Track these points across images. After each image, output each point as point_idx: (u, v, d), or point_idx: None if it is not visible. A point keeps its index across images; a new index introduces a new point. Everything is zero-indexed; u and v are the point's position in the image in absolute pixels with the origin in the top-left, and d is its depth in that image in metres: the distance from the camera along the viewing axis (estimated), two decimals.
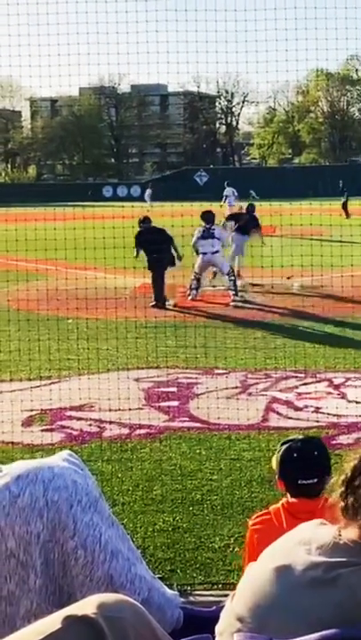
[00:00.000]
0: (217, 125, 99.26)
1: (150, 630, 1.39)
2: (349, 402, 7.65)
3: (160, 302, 13.64)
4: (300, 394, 7.97)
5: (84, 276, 16.53)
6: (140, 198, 54.67)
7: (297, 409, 7.48)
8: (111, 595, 1.43)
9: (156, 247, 13.75)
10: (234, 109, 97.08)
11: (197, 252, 14.35)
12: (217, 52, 8.31)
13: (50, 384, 8.44)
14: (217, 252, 14.26)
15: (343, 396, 7.89)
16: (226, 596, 1.71)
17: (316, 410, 7.40)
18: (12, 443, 6.58)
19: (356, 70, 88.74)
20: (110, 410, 7.43)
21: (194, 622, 2.05)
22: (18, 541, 1.83)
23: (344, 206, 34.20)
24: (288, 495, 3.16)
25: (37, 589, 1.83)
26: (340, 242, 16.81)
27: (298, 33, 8.21)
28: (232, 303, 13.68)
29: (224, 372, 8.87)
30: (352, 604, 1.47)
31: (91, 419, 7.31)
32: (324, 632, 1.44)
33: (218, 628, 1.63)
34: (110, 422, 7.19)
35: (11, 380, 8.67)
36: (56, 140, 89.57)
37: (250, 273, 14.33)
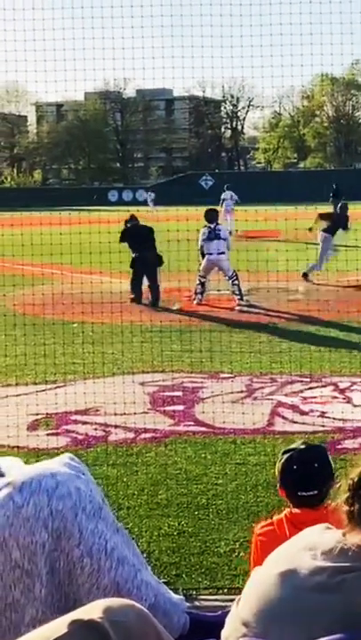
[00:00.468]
0: (222, 130, 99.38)
1: (156, 635, 1.39)
2: (355, 406, 7.63)
3: (138, 299, 14.01)
4: (305, 398, 7.95)
5: (89, 280, 16.55)
6: (146, 202, 54.74)
7: (303, 413, 7.47)
8: (117, 599, 1.43)
9: (141, 245, 14.08)
10: (239, 114, 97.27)
11: (203, 255, 14.34)
12: (222, 57, 8.35)
13: (55, 388, 8.45)
14: (222, 253, 14.24)
15: (349, 401, 7.87)
16: (231, 600, 1.71)
17: (322, 414, 7.39)
18: (18, 447, 6.58)
19: None
20: (115, 414, 7.43)
21: (199, 627, 2.05)
22: (22, 551, 1.83)
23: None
24: (291, 505, 3.15)
25: (43, 598, 1.83)
26: (346, 246, 16.81)
27: (303, 38, 8.24)
28: (237, 307, 13.67)
29: (229, 376, 8.86)
30: (357, 608, 1.46)
31: (96, 423, 7.31)
32: (329, 637, 1.44)
33: (223, 633, 1.63)
34: (115, 426, 7.19)
35: (16, 384, 8.68)
36: (61, 144, 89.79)
37: (256, 277, 14.32)
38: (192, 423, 7.29)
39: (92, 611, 1.33)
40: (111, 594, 1.79)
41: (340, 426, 7.03)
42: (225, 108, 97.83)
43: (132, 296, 14.10)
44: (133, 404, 7.61)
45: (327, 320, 11.79)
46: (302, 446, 3.21)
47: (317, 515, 2.81)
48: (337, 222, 16.87)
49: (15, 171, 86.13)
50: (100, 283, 15.89)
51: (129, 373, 9.00)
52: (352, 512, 1.56)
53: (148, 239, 14.20)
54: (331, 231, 16.60)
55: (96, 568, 1.86)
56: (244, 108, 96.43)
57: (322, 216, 17.61)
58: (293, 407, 7.65)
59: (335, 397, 8.00)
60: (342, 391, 8.20)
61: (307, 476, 3.06)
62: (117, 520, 2.05)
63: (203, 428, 7.11)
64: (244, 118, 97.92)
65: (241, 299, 13.91)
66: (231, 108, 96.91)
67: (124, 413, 7.41)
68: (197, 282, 14.25)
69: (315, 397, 7.98)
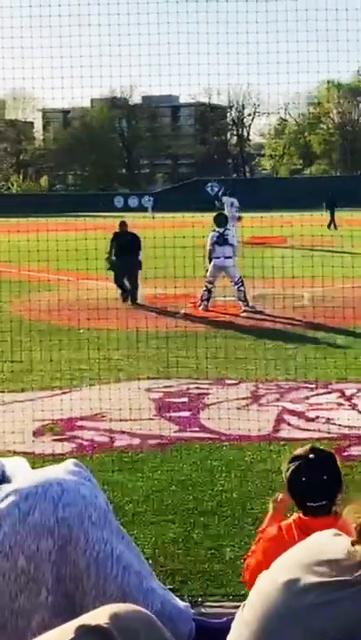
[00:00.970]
0: (228, 136, 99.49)
1: None
2: None
3: (125, 296, 15.13)
4: (311, 405, 7.94)
5: (95, 286, 16.58)
6: (152, 208, 54.81)
7: (308, 420, 7.46)
8: (124, 605, 1.43)
9: (123, 250, 15.25)
10: (245, 120, 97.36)
11: (210, 260, 14.36)
12: (228, 63, 8.37)
13: (61, 394, 8.46)
14: (229, 257, 14.27)
15: (355, 407, 7.86)
16: (237, 607, 1.71)
17: (328, 421, 7.38)
18: (24, 453, 6.59)
19: None
20: (121, 420, 7.43)
21: (205, 634, 2.05)
22: (28, 559, 1.83)
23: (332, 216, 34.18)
24: (300, 513, 3.12)
25: (49, 605, 1.83)
26: (351, 253, 16.80)
27: (309, 45, 8.26)
28: (243, 314, 13.67)
29: (235, 382, 8.86)
30: (359, 621, 1.46)
31: (102, 429, 7.32)
32: None
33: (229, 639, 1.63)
34: (121, 432, 7.19)
35: (22, 390, 8.70)
36: (68, 150, 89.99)
37: (261, 283, 14.33)
38: (197, 429, 7.28)
39: (98, 616, 1.33)
40: (117, 601, 1.78)
41: (346, 433, 7.02)
42: (231, 114, 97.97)
43: (123, 295, 15.15)
44: (139, 410, 7.62)
45: (333, 326, 11.78)
46: (311, 455, 3.10)
47: (327, 522, 2.79)
48: None
49: (21, 177, 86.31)
50: (106, 289, 15.93)
51: (135, 379, 9.01)
52: None
53: (132, 245, 15.33)
54: None
55: (102, 575, 1.86)
56: (249, 114, 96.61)
57: None
58: (299, 414, 7.64)
59: (341, 404, 7.98)
60: (348, 398, 8.19)
61: (316, 488, 3.01)
62: (122, 526, 2.05)
63: (208, 435, 7.11)
64: (249, 125, 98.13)
65: (247, 305, 13.90)
66: (237, 114, 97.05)
67: (130, 419, 7.41)
68: (204, 288, 14.25)
69: (321, 404, 7.97)
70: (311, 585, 1.51)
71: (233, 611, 1.75)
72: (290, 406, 7.89)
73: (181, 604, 2.08)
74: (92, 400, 7.87)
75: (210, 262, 14.40)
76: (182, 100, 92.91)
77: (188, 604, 2.12)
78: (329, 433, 7.04)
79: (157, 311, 13.94)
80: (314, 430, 7.15)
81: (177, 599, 2.09)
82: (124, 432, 7.20)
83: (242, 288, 14.03)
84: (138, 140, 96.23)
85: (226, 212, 30.11)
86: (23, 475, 1.97)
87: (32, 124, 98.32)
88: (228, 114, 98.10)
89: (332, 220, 34.23)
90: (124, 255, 15.20)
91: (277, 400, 8.14)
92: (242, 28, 8.43)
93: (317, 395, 8.31)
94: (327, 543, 1.58)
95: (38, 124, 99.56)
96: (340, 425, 7.22)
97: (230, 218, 29.48)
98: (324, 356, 9.78)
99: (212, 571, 4.60)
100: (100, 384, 8.78)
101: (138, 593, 1.90)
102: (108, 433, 7.20)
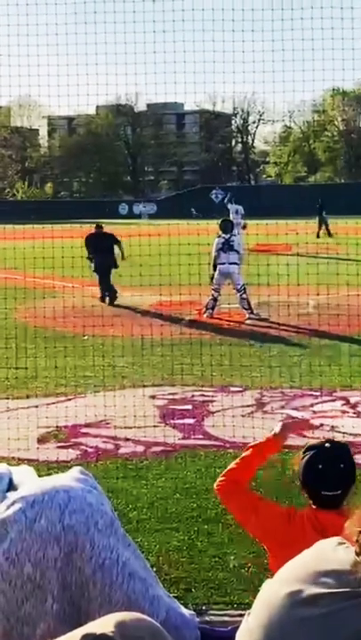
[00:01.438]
0: (233, 144, 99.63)
1: None
2: None
3: (105, 296, 15.82)
4: (315, 412, 7.94)
5: (100, 293, 16.59)
6: (156, 215, 54.87)
7: (313, 427, 7.45)
8: (130, 613, 1.43)
9: (98, 249, 16.04)
10: (250, 128, 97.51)
11: (215, 268, 14.34)
12: (234, 72, 8.39)
13: (66, 401, 8.46)
14: (234, 263, 14.26)
15: (359, 415, 7.85)
16: (241, 615, 1.71)
17: (332, 428, 7.36)
18: (28, 459, 6.59)
19: None
20: (126, 427, 7.43)
21: None
22: (35, 566, 1.83)
23: (324, 223, 34.07)
24: (311, 503, 3.10)
25: (55, 612, 1.83)
26: (356, 260, 16.79)
27: (314, 53, 8.28)
28: (248, 321, 13.66)
29: (239, 389, 8.85)
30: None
31: (106, 436, 7.32)
32: None
33: None
34: (126, 439, 7.19)
35: (27, 397, 8.70)
36: (73, 157, 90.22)
37: (266, 291, 14.32)
38: (202, 437, 7.28)
39: (104, 624, 1.33)
40: (123, 609, 1.79)
41: (351, 440, 7.00)
42: (235, 121, 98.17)
43: (109, 298, 15.80)
44: (143, 417, 7.61)
45: (338, 334, 11.77)
46: (327, 445, 3.10)
47: (340, 520, 2.78)
48: None
49: (26, 184, 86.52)
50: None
51: (139, 386, 9.01)
52: None
53: (108, 245, 16.26)
54: None
55: (108, 583, 1.86)
56: (254, 122, 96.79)
57: None
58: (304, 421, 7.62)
59: (345, 412, 7.98)
60: (353, 406, 8.18)
61: (332, 476, 2.99)
62: (127, 534, 2.05)
63: (213, 442, 7.10)
64: (254, 132, 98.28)
65: (251, 312, 13.89)
66: (242, 121, 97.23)
67: (134, 426, 7.41)
68: (211, 296, 14.23)
69: (325, 412, 7.96)
70: (317, 595, 1.51)
71: (237, 619, 1.75)
72: (294, 414, 7.88)
73: (187, 612, 2.08)
74: (97, 407, 7.87)
75: (214, 269, 14.38)
76: (187, 108, 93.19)
77: (193, 612, 2.12)
78: None
79: (162, 318, 13.94)
80: (318, 438, 7.12)
81: (182, 608, 2.09)
82: (128, 439, 7.19)
83: (245, 296, 14.01)
84: (143, 147, 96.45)
85: (231, 219, 30.19)
86: (30, 482, 1.98)
87: (37, 131, 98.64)
88: (233, 121, 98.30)
89: (322, 227, 34.12)
90: (103, 255, 16.01)
91: (282, 407, 8.13)
92: (247, 37, 8.46)
93: (322, 402, 8.30)
94: (332, 553, 1.58)
95: (43, 131, 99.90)
96: (344, 432, 7.21)
97: (235, 225, 29.57)
98: (329, 364, 9.78)
99: (216, 579, 4.60)
100: (105, 391, 8.78)
101: (143, 601, 1.90)
102: (113, 440, 7.19)
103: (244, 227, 29.08)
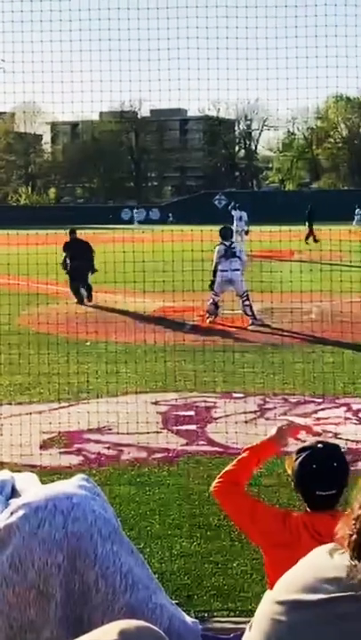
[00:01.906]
0: (236, 149, 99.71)
1: None
2: None
3: (80, 299, 16.73)
4: (318, 419, 7.93)
5: (103, 299, 16.62)
6: (160, 221, 54.91)
7: (311, 431, 7.43)
8: (133, 621, 1.43)
9: (76, 255, 17.02)
10: (253, 134, 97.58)
11: (215, 275, 14.33)
12: (238, 78, 8.41)
13: (68, 406, 8.46)
14: (237, 270, 14.27)
15: None
16: (244, 623, 1.71)
17: (335, 435, 7.36)
18: (30, 465, 6.59)
19: None
20: (128, 433, 7.43)
21: None
22: (38, 572, 1.83)
23: (311, 229, 33.94)
24: (306, 506, 3.11)
25: (58, 619, 1.83)
26: (360, 267, 16.80)
27: (318, 60, 8.30)
28: (250, 327, 13.65)
29: (242, 396, 8.85)
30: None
31: (108, 442, 7.32)
32: None
33: None
34: (128, 445, 7.19)
35: (29, 402, 8.71)
36: (76, 163, 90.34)
37: (269, 297, 14.32)
38: (204, 443, 7.28)
39: (108, 632, 1.33)
40: (126, 616, 1.78)
41: (354, 447, 7.00)
42: (239, 127, 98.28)
43: (77, 299, 16.71)
44: (146, 423, 7.61)
45: (341, 341, 11.76)
46: (320, 445, 3.13)
47: (334, 524, 2.78)
48: None
49: (30, 189, 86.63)
50: (115, 302, 15.97)
51: (142, 392, 9.01)
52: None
53: (85, 251, 17.16)
54: None
55: (111, 590, 1.86)
56: (257, 128, 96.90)
57: None
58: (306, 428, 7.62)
59: (348, 419, 7.97)
60: (355, 412, 8.18)
61: (326, 476, 3.01)
62: (130, 541, 2.05)
63: (215, 448, 7.10)
64: (257, 138, 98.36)
65: (254, 318, 13.88)
66: (245, 127, 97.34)
67: (137, 432, 7.41)
68: (210, 301, 14.25)
69: (328, 418, 7.95)
70: (317, 602, 1.51)
71: (240, 626, 1.76)
72: (297, 420, 7.86)
73: (190, 620, 2.08)
74: (100, 413, 7.88)
75: (214, 275, 14.40)
76: (191, 114, 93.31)
77: (196, 620, 2.12)
78: None
79: (165, 324, 13.94)
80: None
81: (185, 615, 2.09)
82: (130, 445, 7.19)
83: (247, 302, 14.01)
84: (146, 153, 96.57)
85: (234, 225, 30.28)
86: (33, 489, 1.98)
87: (41, 136, 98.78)
88: (236, 127, 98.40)
89: (311, 232, 34.00)
90: (80, 260, 16.91)
91: (284, 414, 8.13)
92: (251, 44, 8.48)
93: (325, 409, 8.29)
94: (327, 560, 1.58)
95: (47, 137, 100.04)
96: (347, 439, 7.20)
97: (239, 231, 29.62)
98: (332, 371, 9.77)
99: (218, 586, 4.59)
100: (108, 397, 8.78)
101: (146, 608, 1.90)
102: (115, 446, 7.19)
103: (247, 233, 29.11)
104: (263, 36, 8.43)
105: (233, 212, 31.07)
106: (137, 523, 5.46)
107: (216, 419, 8.02)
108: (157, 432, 7.53)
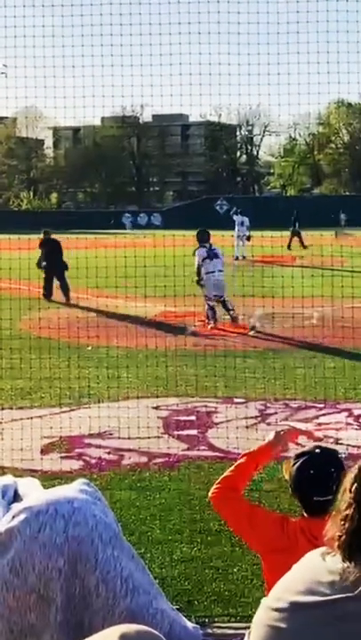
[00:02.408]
0: (237, 155, 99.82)
1: None
2: None
3: (48, 295, 17.69)
4: (319, 424, 7.92)
5: (104, 303, 16.63)
6: (162, 226, 54.95)
7: (317, 439, 7.43)
8: (134, 625, 1.43)
9: (51, 253, 18.10)
10: (254, 139, 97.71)
11: (199, 275, 14.40)
12: (239, 84, 8.44)
13: (69, 411, 8.46)
14: (221, 270, 14.50)
15: None
16: (244, 628, 1.71)
17: (336, 441, 7.35)
18: (31, 470, 6.59)
19: None
20: (129, 438, 7.43)
21: None
22: (39, 577, 1.83)
23: (298, 236, 33.53)
24: (303, 511, 3.11)
25: (58, 623, 1.83)
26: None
27: (320, 66, 8.32)
28: (250, 332, 13.65)
29: (243, 401, 8.85)
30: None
31: (110, 447, 7.31)
32: None
33: None
34: (129, 450, 7.19)
35: (30, 407, 8.71)
36: (78, 168, 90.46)
37: (270, 302, 14.32)
38: (205, 448, 7.27)
39: (108, 636, 1.33)
40: (126, 621, 1.78)
41: (355, 452, 6.99)
42: (240, 133, 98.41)
43: (45, 293, 17.75)
44: (147, 428, 7.61)
45: (342, 346, 11.76)
46: (317, 450, 3.13)
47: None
48: None
49: (31, 194, 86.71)
50: (116, 307, 15.97)
51: (143, 397, 9.01)
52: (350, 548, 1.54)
53: (58, 250, 18.32)
54: None
55: (111, 595, 1.86)
56: (259, 133, 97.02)
57: None
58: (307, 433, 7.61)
59: (349, 424, 7.96)
60: (357, 418, 8.17)
61: (323, 481, 3.00)
62: (131, 546, 2.05)
63: (216, 453, 7.09)
64: (259, 144, 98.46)
65: (215, 321, 13.95)
66: (246, 133, 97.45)
67: (138, 437, 7.41)
68: (206, 306, 14.29)
69: (329, 423, 7.95)
70: (315, 604, 1.52)
71: (240, 632, 1.75)
72: (298, 426, 7.86)
73: (190, 625, 2.08)
74: (101, 418, 7.88)
75: (198, 276, 14.50)
76: (192, 119, 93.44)
77: (196, 625, 2.12)
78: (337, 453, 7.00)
79: (166, 329, 13.94)
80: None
81: (186, 621, 2.09)
82: (131, 450, 7.19)
83: (212, 304, 14.12)
84: (148, 158, 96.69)
85: (236, 230, 30.32)
86: (35, 494, 1.99)
87: (43, 141, 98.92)
88: (238, 133, 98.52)
89: (299, 238, 33.66)
90: (54, 258, 18.02)
91: (286, 419, 8.12)
92: (253, 50, 8.49)
93: (326, 414, 8.29)
94: (320, 564, 1.59)
95: (49, 142, 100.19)
96: (348, 445, 7.20)
97: (241, 236, 29.66)
98: (333, 376, 9.77)
99: (219, 591, 4.58)
100: (109, 401, 8.78)
101: (147, 613, 1.90)
102: (116, 451, 7.19)
103: (249, 238, 29.12)
104: (265, 41, 8.46)
105: (235, 217, 31.08)
106: (137, 528, 5.45)
107: (217, 424, 8.01)
108: (158, 437, 7.53)
